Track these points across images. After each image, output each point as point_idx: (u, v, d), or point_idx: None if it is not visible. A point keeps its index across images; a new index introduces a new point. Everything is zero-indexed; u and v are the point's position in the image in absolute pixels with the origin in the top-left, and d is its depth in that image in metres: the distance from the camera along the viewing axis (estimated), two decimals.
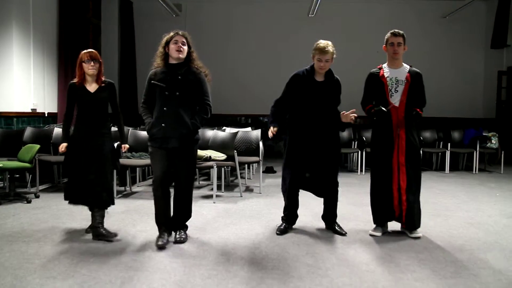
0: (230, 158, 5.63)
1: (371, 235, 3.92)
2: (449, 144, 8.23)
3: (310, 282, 2.85)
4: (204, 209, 4.92)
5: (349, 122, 3.84)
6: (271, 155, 9.54)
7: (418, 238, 3.83)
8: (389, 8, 10.50)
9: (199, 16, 10.69)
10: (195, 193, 5.80)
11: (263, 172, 6.88)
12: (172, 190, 3.71)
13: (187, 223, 3.82)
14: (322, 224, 4.15)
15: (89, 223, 3.80)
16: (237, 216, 4.62)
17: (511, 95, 10.11)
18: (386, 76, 3.88)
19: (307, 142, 3.87)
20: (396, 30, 3.87)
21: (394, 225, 4.05)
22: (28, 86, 6.95)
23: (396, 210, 3.86)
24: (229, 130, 6.80)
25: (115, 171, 4.61)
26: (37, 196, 5.44)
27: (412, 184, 3.82)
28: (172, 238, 3.70)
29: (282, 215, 4.09)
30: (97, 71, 3.71)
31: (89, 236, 3.75)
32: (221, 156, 5.66)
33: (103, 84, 3.75)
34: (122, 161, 5.57)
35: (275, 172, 7.90)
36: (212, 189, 5.69)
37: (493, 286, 2.84)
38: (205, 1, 10.72)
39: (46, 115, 7.38)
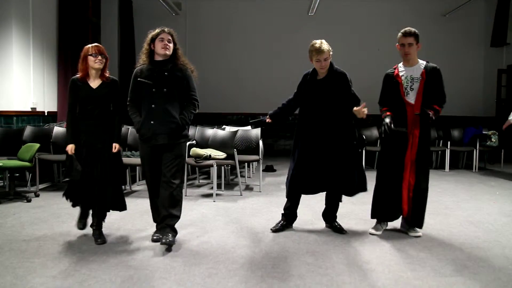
0: (230, 156, 5.63)
1: (371, 234, 3.92)
2: (449, 142, 8.23)
3: (310, 280, 2.85)
4: (204, 207, 4.92)
5: (363, 118, 3.76)
6: (271, 154, 9.54)
7: (419, 237, 3.82)
8: (389, 7, 10.50)
9: (199, 14, 10.69)
10: (195, 192, 5.83)
11: (263, 170, 6.88)
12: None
13: (176, 226, 3.62)
14: (322, 223, 4.15)
15: (90, 221, 3.79)
16: (237, 215, 4.62)
17: (511, 93, 10.10)
18: (401, 75, 3.83)
19: (314, 141, 3.84)
20: (407, 30, 3.78)
21: (394, 224, 4.05)
22: (27, 85, 6.95)
23: (404, 208, 3.84)
24: (229, 129, 6.80)
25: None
26: (37, 195, 5.43)
27: (421, 182, 3.80)
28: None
29: (283, 211, 4.08)
30: (102, 66, 3.59)
31: (89, 235, 3.74)
32: (221, 154, 5.66)
33: (106, 81, 3.63)
34: (122, 160, 5.58)
35: (275, 170, 7.90)
36: (212, 188, 5.68)
37: (492, 284, 2.84)
38: (205, 0, 10.70)
39: (46, 114, 7.37)
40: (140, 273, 2.94)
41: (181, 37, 3.74)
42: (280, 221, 4.05)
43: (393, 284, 2.82)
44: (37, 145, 5.31)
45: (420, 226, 3.88)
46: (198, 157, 5.51)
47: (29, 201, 5.12)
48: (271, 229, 3.98)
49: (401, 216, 3.96)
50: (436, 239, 3.78)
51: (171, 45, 3.55)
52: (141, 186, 6.34)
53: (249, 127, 7.26)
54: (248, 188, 6.26)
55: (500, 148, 8.40)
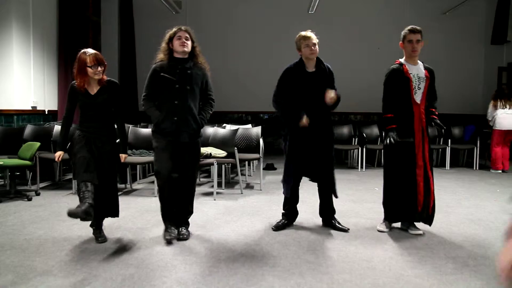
0: (231, 155, 5.63)
1: (379, 231, 3.92)
2: (449, 140, 8.22)
3: (311, 279, 2.85)
4: (204, 206, 4.92)
5: (334, 104, 3.81)
6: (272, 152, 9.54)
7: (420, 235, 3.81)
8: (390, 5, 10.49)
9: (199, 13, 10.68)
10: (196, 190, 5.80)
11: (263, 169, 6.88)
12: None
13: (189, 219, 3.84)
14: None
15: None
16: (237, 213, 4.62)
17: (511, 91, 10.08)
18: (410, 73, 3.78)
19: (306, 133, 3.83)
20: (414, 27, 3.76)
21: (398, 223, 4.05)
22: (28, 83, 6.95)
23: (419, 206, 3.77)
24: (229, 127, 6.80)
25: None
26: (37, 194, 5.44)
27: (429, 182, 3.79)
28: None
29: (283, 211, 4.08)
30: (101, 75, 3.51)
31: (90, 233, 3.74)
32: (221, 153, 5.66)
33: (105, 85, 3.55)
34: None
35: (275, 169, 7.90)
36: (212, 186, 5.69)
37: (493, 282, 2.84)
38: None
39: (46, 112, 7.38)
40: (141, 272, 2.95)
41: None
42: (281, 220, 4.05)
43: (394, 282, 2.82)
44: (38, 144, 5.31)
45: (430, 224, 3.87)
46: None
47: (29, 199, 5.13)
48: (272, 228, 3.98)
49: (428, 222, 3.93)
50: (436, 237, 3.78)
51: (189, 42, 3.61)
52: (141, 184, 6.34)
53: (249, 125, 7.27)
54: (249, 186, 6.26)
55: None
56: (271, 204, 5.01)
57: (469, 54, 10.69)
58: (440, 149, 8.47)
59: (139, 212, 4.59)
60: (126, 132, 3.84)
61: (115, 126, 3.67)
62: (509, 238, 1.04)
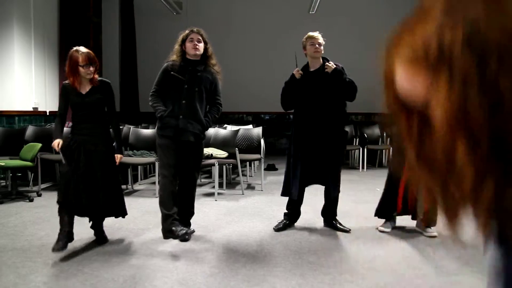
0: (232, 155, 5.63)
1: (381, 231, 3.91)
2: None
3: (313, 279, 2.85)
4: (206, 207, 4.91)
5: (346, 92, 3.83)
6: (273, 153, 9.53)
7: (435, 237, 3.78)
8: (392, 3, 10.46)
9: (200, 13, 10.67)
10: (197, 191, 5.78)
11: (264, 169, 6.87)
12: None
13: (190, 220, 3.85)
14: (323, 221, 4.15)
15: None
16: (239, 214, 4.62)
17: None
18: None
19: (311, 133, 3.83)
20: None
21: (400, 222, 4.05)
22: (29, 84, 6.96)
23: (399, 205, 3.84)
24: (230, 128, 6.80)
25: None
26: (39, 195, 5.44)
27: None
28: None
29: (285, 211, 4.08)
30: (93, 75, 3.44)
31: (91, 234, 3.72)
32: (222, 153, 5.66)
33: (97, 84, 3.46)
34: (124, 159, 5.58)
35: (276, 169, 7.90)
36: (213, 187, 5.68)
37: None
38: None
39: (47, 113, 7.38)
40: (142, 272, 2.95)
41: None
42: (282, 220, 4.05)
43: (396, 283, 2.81)
44: (39, 145, 5.31)
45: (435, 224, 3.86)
46: None
47: (31, 200, 5.13)
48: (273, 228, 3.98)
49: (414, 216, 3.94)
50: (438, 238, 3.77)
51: (202, 44, 3.64)
52: (143, 185, 6.35)
53: (250, 126, 7.26)
54: (250, 187, 6.26)
55: None
56: (272, 205, 5.00)
57: None
58: None
59: (140, 213, 4.59)
60: (120, 132, 3.81)
61: (111, 127, 3.62)
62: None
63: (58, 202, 3.35)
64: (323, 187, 3.99)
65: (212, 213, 4.65)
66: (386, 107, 0.77)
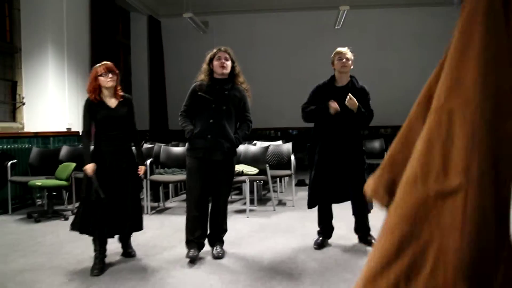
0: (262, 172, 5.62)
1: None
2: None
3: None
4: (238, 223, 4.90)
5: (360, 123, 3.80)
6: (302, 168, 9.46)
7: None
8: (418, 18, 10.37)
9: (226, 31, 10.81)
10: (228, 208, 5.80)
11: (295, 185, 6.83)
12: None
13: (223, 237, 3.83)
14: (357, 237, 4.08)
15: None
16: (271, 230, 4.59)
17: None
18: None
19: (334, 150, 3.80)
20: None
21: None
22: (63, 106, 7.15)
23: None
24: (260, 144, 6.80)
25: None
26: (73, 213, 5.54)
27: None
28: (204, 253, 3.70)
29: (318, 228, 4.03)
30: (115, 83, 3.47)
31: (120, 249, 3.79)
32: (253, 170, 5.66)
33: (121, 99, 3.53)
34: (155, 177, 5.65)
35: (307, 185, 7.82)
36: (244, 204, 5.68)
37: None
38: (231, 17, 10.84)
39: (80, 133, 7.55)
40: None
41: None
42: (318, 238, 3.99)
43: None
44: (73, 164, 5.43)
45: None
46: None
47: (66, 219, 5.23)
48: (314, 246, 3.90)
49: None
50: None
51: (229, 62, 3.65)
52: (174, 203, 6.39)
53: (280, 142, 7.25)
54: (281, 203, 6.23)
55: None
56: (304, 221, 4.95)
57: None
58: None
59: (172, 231, 4.61)
60: (141, 145, 3.85)
61: (131, 141, 3.68)
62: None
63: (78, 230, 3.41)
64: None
65: (245, 230, 4.63)
66: None
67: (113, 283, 3.11)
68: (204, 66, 3.71)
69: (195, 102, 3.67)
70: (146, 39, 10.39)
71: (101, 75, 3.41)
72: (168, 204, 6.28)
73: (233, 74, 3.71)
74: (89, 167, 3.34)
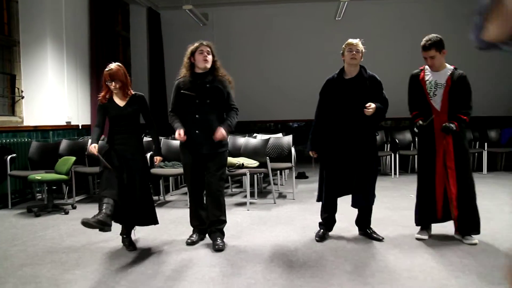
0: (263, 165, 5.60)
1: (417, 238, 3.81)
2: (486, 144, 7.99)
3: None
4: (238, 216, 4.90)
5: (377, 119, 3.81)
6: (303, 161, 9.46)
7: (475, 244, 3.65)
8: (420, 9, 10.29)
9: (226, 24, 10.76)
10: (229, 200, 5.80)
11: (295, 178, 6.83)
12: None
13: (224, 229, 3.86)
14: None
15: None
16: (272, 223, 4.58)
17: None
18: (426, 80, 3.77)
19: (342, 142, 3.79)
20: (426, 44, 3.67)
21: (439, 229, 3.94)
22: (62, 99, 7.13)
23: (439, 213, 3.76)
24: (260, 137, 6.78)
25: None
26: (74, 207, 5.54)
27: (464, 189, 3.68)
28: (205, 246, 3.70)
29: (320, 220, 4.02)
30: (119, 89, 3.70)
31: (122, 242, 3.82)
32: (253, 163, 5.64)
33: (131, 98, 3.76)
34: (155, 170, 5.63)
35: (307, 177, 7.83)
36: (245, 196, 5.67)
37: None
38: (231, 9, 10.77)
39: (80, 127, 7.54)
40: (179, 284, 2.94)
41: None
42: (320, 230, 3.98)
43: None
44: (73, 158, 5.42)
45: (469, 233, 3.73)
46: (231, 166, 5.50)
47: (66, 213, 5.23)
48: (315, 239, 3.89)
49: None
50: (479, 245, 3.64)
51: (210, 57, 3.71)
52: (174, 196, 6.39)
53: (280, 134, 7.22)
54: (282, 196, 6.22)
55: None
56: (305, 214, 4.95)
57: (504, 55, 10.34)
58: (476, 153, 8.22)
59: (173, 224, 4.61)
60: (159, 138, 4.07)
61: (149, 134, 3.87)
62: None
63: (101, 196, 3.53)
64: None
65: (245, 222, 4.63)
66: None
67: (113, 276, 3.10)
68: (186, 59, 3.76)
69: (180, 100, 3.75)
70: (146, 31, 10.32)
71: (106, 82, 3.69)
72: (169, 197, 6.27)
73: (213, 68, 3.76)
74: (91, 147, 3.65)
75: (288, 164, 5.99)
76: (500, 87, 10.21)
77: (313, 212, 4.29)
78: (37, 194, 6.37)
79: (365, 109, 3.65)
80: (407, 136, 8.37)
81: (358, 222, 4.02)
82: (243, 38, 10.75)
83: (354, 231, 4.09)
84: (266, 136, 6.64)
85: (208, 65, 3.70)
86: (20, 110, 6.85)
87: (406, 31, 10.19)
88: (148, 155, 5.47)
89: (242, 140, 6.38)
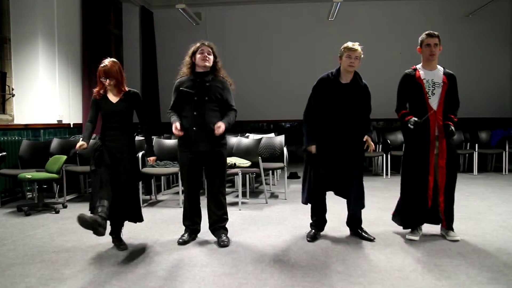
0: (255, 164, 5.60)
1: (409, 239, 3.83)
2: (476, 145, 8.04)
3: None
4: (230, 216, 4.82)
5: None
6: (295, 161, 9.47)
7: (457, 241, 3.73)
8: (412, 9, 10.34)
9: (219, 23, 10.74)
10: None
11: (287, 178, 6.83)
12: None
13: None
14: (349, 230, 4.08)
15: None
16: (263, 223, 4.58)
17: None
18: (422, 78, 3.78)
19: (332, 144, 3.81)
20: (431, 31, 3.78)
21: (428, 229, 3.96)
22: (54, 98, 7.08)
23: (429, 212, 3.81)
24: (253, 137, 6.77)
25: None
26: (64, 206, 5.50)
27: (449, 185, 3.76)
28: (197, 245, 3.68)
29: (311, 221, 4.03)
30: (113, 86, 3.69)
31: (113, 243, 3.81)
32: (245, 163, 5.63)
33: (125, 95, 3.75)
34: (147, 170, 5.61)
35: (299, 177, 7.83)
36: (237, 196, 5.66)
37: None
38: (224, 9, 10.76)
39: (71, 126, 7.49)
40: (170, 284, 2.93)
41: None
42: (311, 230, 3.99)
43: None
44: (64, 157, 5.38)
45: (452, 222, 3.84)
46: None
47: (57, 212, 5.19)
48: (307, 239, 3.90)
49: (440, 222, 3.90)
50: (469, 245, 3.67)
51: (211, 57, 3.76)
52: (166, 195, 6.36)
53: (272, 134, 7.22)
54: (273, 195, 6.21)
55: None
56: (296, 213, 4.95)
57: (495, 56, 10.44)
58: (467, 154, 8.28)
59: (165, 223, 4.59)
60: (151, 137, 4.06)
61: (142, 132, 3.86)
62: None
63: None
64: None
65: (237, 222, 4.62)
66: None
67: (104, 276, 3.09)
68: (187, 59, 3.81)
69: (180, 99, 3.79)
70: (139, 30, 10.27)
71: (100, 79, 3.67)
72: (160, 196, 6.25)
73: (214, 68, 3.81)
74: (78, 143, 3.60)
75: (280, 164, 5.99)
76: (491, 89, 10.30)
77: (305, 212, 4.30)
78: (28, 193, 6.31)
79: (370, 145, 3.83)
80: (399, 136, 8.41)
81: (349, 223, 4.03)
82: (236, 38, 10.74)
83: (346, 231, 4.10)
84: (258, 136, 6.64)
85: (208, 64, 3.74)
86: (11, 108, 6.80)
87: (398, 31, 10.25)
88: (140, 154, 5.45)
89: (234, 140, 6.36)
